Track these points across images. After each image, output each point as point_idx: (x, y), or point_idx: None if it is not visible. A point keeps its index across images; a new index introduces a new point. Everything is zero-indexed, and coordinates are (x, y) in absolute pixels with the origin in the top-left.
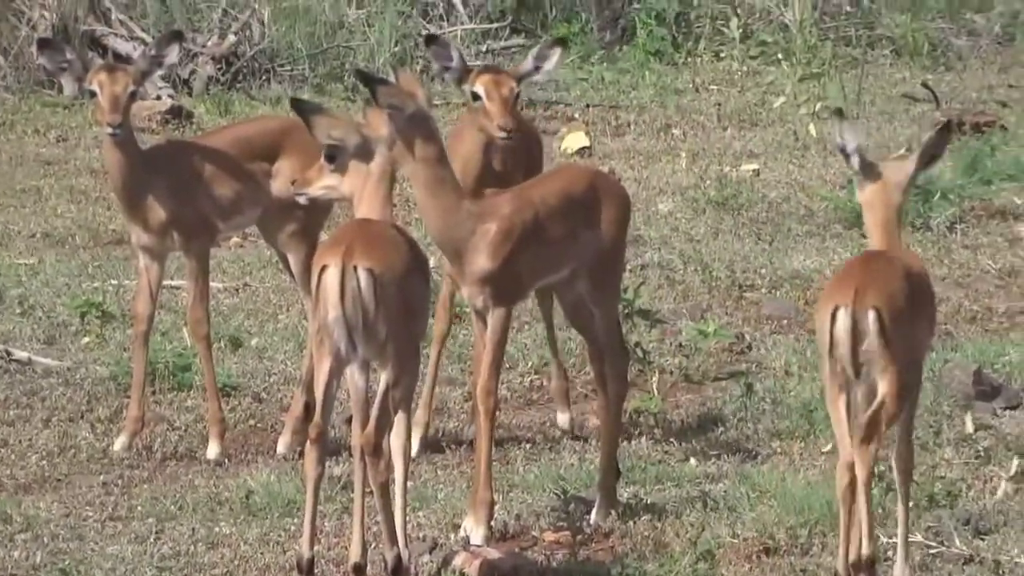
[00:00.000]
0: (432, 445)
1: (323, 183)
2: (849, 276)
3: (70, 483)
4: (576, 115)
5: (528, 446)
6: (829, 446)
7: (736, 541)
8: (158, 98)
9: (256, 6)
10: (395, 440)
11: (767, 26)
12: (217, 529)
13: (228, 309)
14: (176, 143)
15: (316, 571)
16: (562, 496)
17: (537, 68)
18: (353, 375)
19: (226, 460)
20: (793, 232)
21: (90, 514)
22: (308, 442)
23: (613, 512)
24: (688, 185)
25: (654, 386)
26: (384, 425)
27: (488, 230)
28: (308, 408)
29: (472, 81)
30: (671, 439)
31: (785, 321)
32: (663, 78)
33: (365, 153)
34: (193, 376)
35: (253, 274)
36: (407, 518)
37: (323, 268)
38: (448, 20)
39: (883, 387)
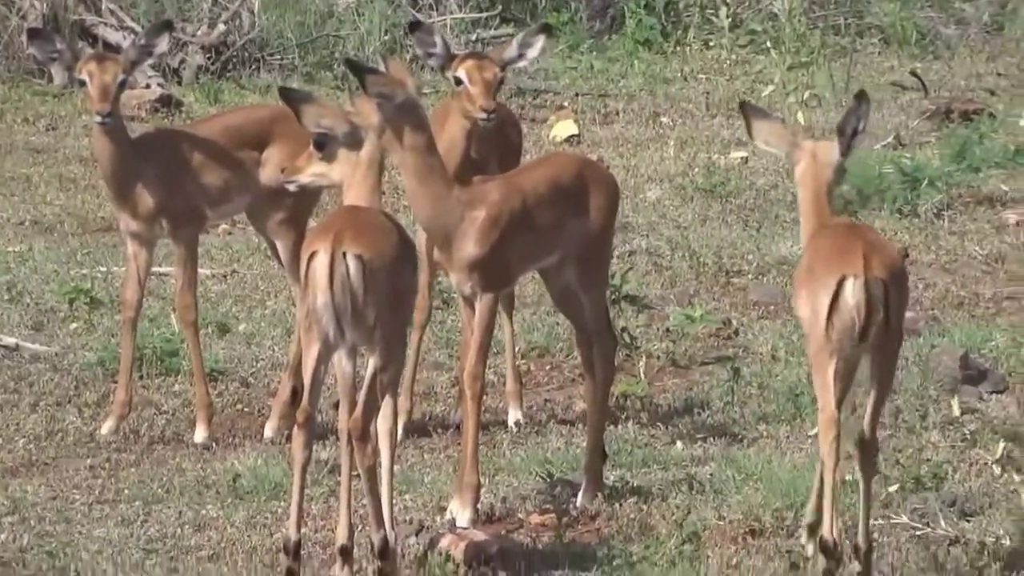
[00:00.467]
0: (418, 429)
1: (312, 171)
2: (850, 245)
3: (57, 467)
4: (565, 103)
5: (514, 429)
6: (815, 430)
7: (722, 523)
8: (148, 87)
9: None
10: (382, 424)
11: (756, 15)
12: (204, 512)
13: (216, 295)
14: (165, 131)
15: (303, 553)
16: (548, 479)
17: (522, 55)
18: (341, 360)
19: (213, 444)
20: (780, 219)
21: (77, 497)
22: (295, 426)
23: (599, 495)
24: (676, 173)
25: (641, 370)
26: (372, 410)
27: (476, 217)
28: (295, 393)
29: (455, 67)
30: (658, 423)
31: (772, 307)
32: (652, 67)
33: (354, 141)
34: (181, 361)
35: (241, 261)
36: (394, 501)
37: (312, 254)
38: (438, 9)
39: (882, 367)
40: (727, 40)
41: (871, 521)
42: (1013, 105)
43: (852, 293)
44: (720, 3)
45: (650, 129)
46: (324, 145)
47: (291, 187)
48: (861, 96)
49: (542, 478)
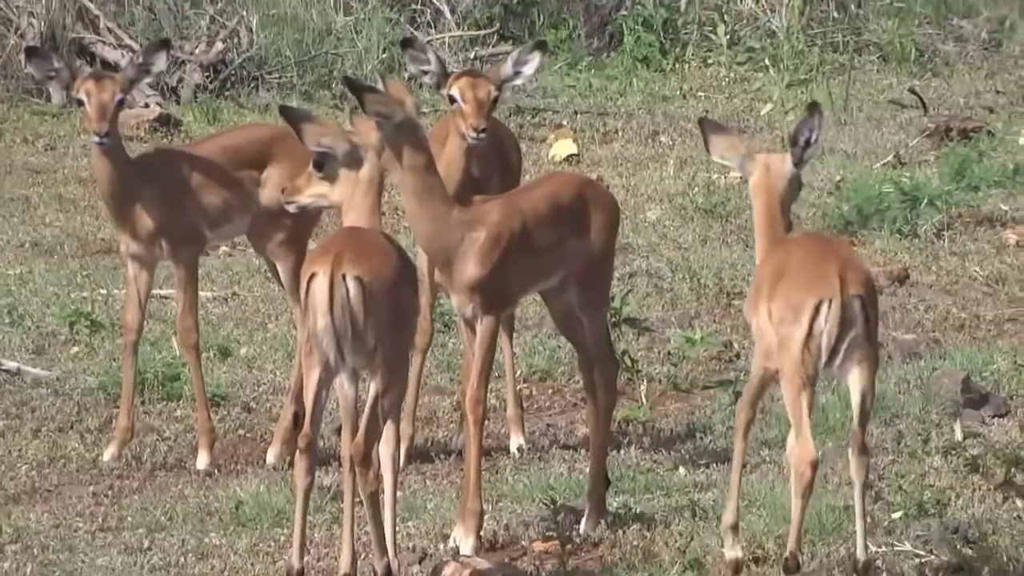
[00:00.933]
0: (420, 455)
1: (312, 191)
2: (825, 266)
3: (60, 494)
4: (564, 122)
5: (517, 455)
6: (819, 453)
7: None
8: (146, 106)
9: (244, 13)
10: (384, 449)
11: (754, 32)
12: (207, 539)
13: (217, 318)
14: (164, 151)
15: None
16: (551, 505)
17: (517, 72)
18: (342, 384)
19: (216, 470)
20: None
21: (80, 525)
22: (297, 452)
23: (602, 521)
24: (676, 192)
25: (643, 395)
26: (374, 435)
27: (477, 238)
28: (297, 418)
29: (449, 85)
30: (660, 448)
31: None
32: (651, 85)
33: (354, 160)
34: (182, 386)
35: (242, 283)
36: (396, 528)
37: (312, 276)
38: (436, 27)
39: (863, 378)
40: (726, 58)
41: (872, 548)
42: (1012, 123)
43: (826, 317)
44: (718, 21)
45: (649, 148)
46: (324, 165)
47: (291, 208)
48: (814, 107)
49: (545, 504)
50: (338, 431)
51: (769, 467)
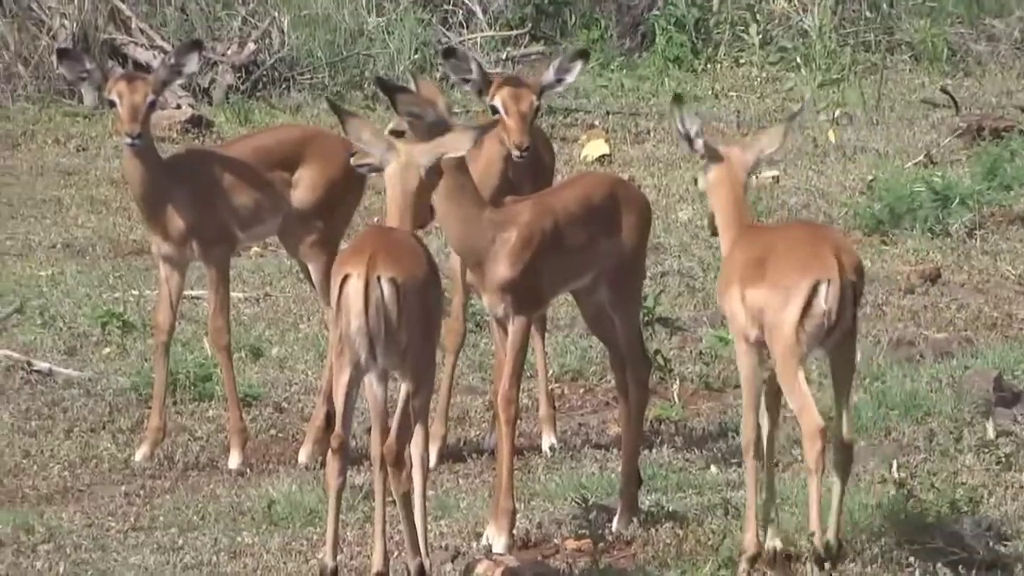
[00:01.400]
0: (453, 454)
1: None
2: (820, 248)
3: (92, 494)
4: (596, 122)
5: (549, 455)
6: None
7: None
8: (178, 107)
9: (276, 14)
10: (413, 450)
11: (786, 32)
12: (239, 539)
13: (249, 319)
14: (196, 152)
15: None
16: (583, 504)
17: (559, 80)
18: (372, 385)
19: (248, 470)
20: None
21: (112, 524)
22: (330, 452)
23: (635, 520)
24: None
25: (675, 393)
26: (405, 435)
27: (508, 238)
28: (329, 418)
29: (492, 94)
30: (692, 446)
31: None
32: (683, 84)
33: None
34: (214, 386)
35: (273, 284)
36: (429, 527)
37: (345, 277)
38: (468, 27)
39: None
40: (758, 57)
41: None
42: None
43: (826, 298)
44: (750, 20)
45: (681, 148)
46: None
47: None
48: (796, 115)
49: (577, 503)
50: (369, 430)
51: (801, 465)
